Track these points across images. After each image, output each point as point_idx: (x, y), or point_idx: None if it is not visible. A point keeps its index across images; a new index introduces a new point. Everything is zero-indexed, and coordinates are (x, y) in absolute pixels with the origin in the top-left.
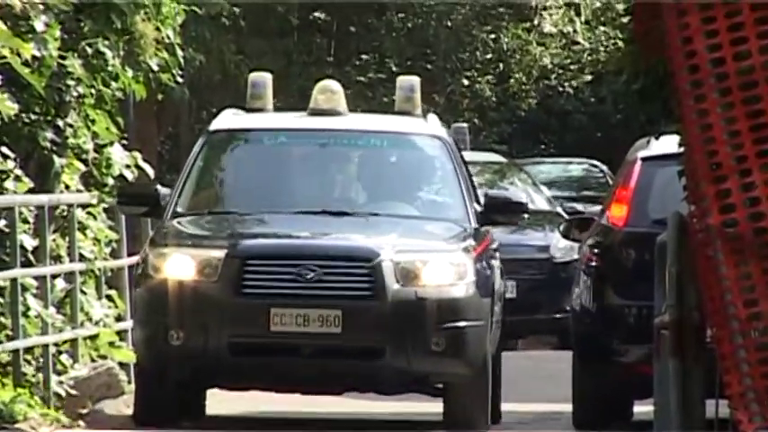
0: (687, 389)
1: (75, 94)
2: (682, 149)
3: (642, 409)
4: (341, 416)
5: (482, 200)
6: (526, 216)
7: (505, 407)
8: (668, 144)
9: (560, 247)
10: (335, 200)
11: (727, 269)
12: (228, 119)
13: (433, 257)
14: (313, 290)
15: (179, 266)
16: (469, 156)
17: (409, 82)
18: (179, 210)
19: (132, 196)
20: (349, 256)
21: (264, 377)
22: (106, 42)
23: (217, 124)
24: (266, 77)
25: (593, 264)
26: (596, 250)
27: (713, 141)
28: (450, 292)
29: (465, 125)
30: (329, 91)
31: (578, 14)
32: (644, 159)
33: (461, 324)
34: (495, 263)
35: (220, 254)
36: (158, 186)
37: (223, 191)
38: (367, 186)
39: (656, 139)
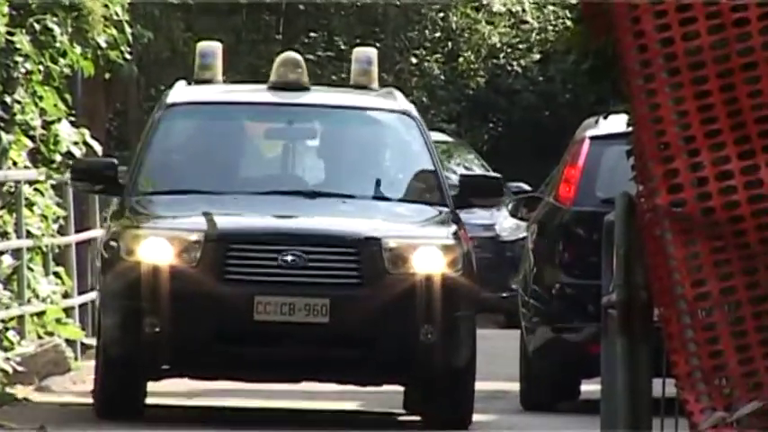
0: (634, 368)
1: (22, 70)
2: (630, 129)
3: (590, 388)
4: (293, 408)
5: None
6: (502, 197)
7: None
8: (616, 123)
9: (506, 226)
10: (307, 180)
11: (674, 249)
12: (186, 91)
13: (424, 243)
14: (299, 277)
15: (155, 249)
16: None
17: (366, 54)
18: (140, 188)
19: (87, 172)
20: (337, 241)
21: (247, 368)
22: (54, 19)
23: (174, 97)
24: (216, 47)
25: (541, 243)
26: (544, 229)
27: (661, 121)
28: (442, 279)
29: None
30: (292, 63)
31: None
32: (592, 138)
33: (453, 313)
34: None
35: (199, 237)
36: (115, 161)
37: (187, 169)
38: (339, 165)
39: (605, 118)
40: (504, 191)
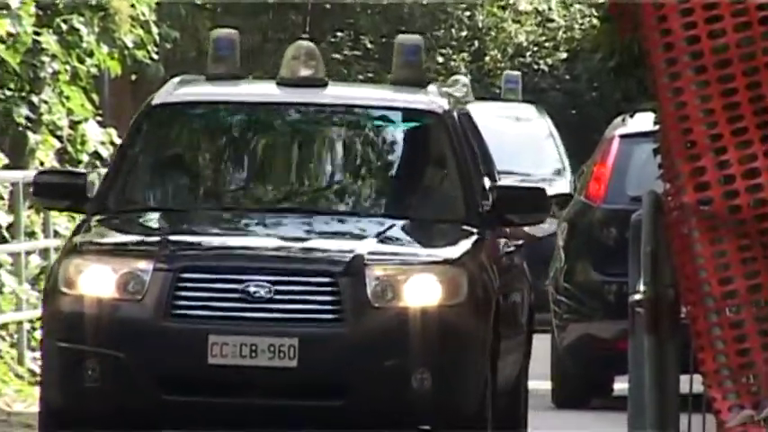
0: (661, 366)
1: (49, 70)
2: (657, 127)
3: (623, 385)
4: None
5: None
6: (547, 213)
7: None
8: (646, 121)
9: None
10: (307, 194)
11: (702, 247)
12: (177, 90)
13: (417, 270)
14: (263, 312)
15: (96, 280)
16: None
17: (413, 43)
18: (109, 204)
19: (50, 185)
20: (309, 268)
21: (200, 421)
22: (81, 19)
23: (159, 97)
24: (233, 35)
25: (572, 240)
26: (574, 227)
27: (688, 119)
28: (439, 313)
29: (518, 73)
30: (306, 54)
31: None
32: (621, 137)
33: (452, 355)
34: (517, 270)
35: (148, 265)
36: (84, 172)
37: (162, 182)
38: (347, 177)
39: (631, 116)
40: (550, 206)
